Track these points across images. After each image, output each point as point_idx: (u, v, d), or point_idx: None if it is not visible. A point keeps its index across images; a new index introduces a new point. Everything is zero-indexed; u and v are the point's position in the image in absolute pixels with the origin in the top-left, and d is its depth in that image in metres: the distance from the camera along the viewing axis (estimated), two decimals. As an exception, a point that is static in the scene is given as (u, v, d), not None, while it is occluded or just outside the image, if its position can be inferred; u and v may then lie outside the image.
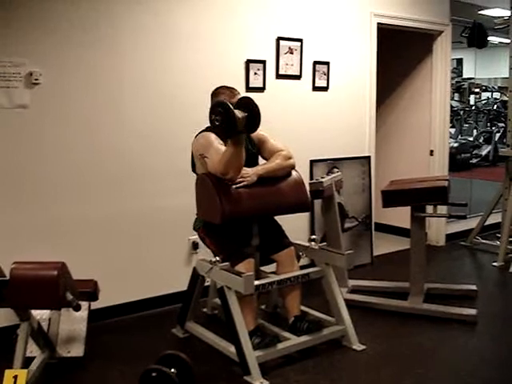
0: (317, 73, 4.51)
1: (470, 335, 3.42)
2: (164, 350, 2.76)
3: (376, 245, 5.08)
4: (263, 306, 3.68)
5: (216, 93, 3.25)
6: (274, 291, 3.48)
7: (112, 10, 3.48)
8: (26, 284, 2.40)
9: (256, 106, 2.81)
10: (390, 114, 5.85)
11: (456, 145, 9.03)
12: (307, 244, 3.35)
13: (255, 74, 4.12)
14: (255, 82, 4.12)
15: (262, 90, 4.17)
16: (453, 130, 9.50)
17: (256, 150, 3.27)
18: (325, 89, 4.59)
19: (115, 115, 3.57)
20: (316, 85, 4.52)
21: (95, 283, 3.12)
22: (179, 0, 3.73)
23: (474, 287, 4.08)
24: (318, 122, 4.56)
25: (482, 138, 10.66)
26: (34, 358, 2.79)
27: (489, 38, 6.15)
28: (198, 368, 2.77)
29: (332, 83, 4.62)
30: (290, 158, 3.22)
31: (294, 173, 3.24)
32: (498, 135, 10.33)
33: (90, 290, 3.04)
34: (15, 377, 2.28)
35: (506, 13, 5.52)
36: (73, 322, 3.07)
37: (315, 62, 4.49)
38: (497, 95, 11.46)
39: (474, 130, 10.89)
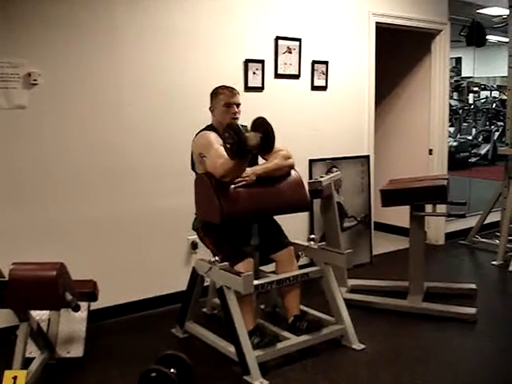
0: (315, 72, 4.50)
1: (469, 334, 3.42)
2: (163, 350, 2.76)
3: (375, 244, 5.08)
4: (262, 306, 3.67)
5: (215, 92, 3.25)
6: (274, 291, 3.47)
7: (111, 10, 3.48)
8: (25, 285, 2.40)
9: (270, 127, 2.87)
10: (388, 113, 5.85)
11: (455, 144, 9.05)
12: (306, 243, 3.35)
13: (254, 73, 4.12)
14: (254, 81, 4.12)
15: (260, 89, 4.17)
16: (452, 129, 9.51)
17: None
18: (323, 88, 4.58)
19: (114, 115, 3.57)
20: (315, 84, 4.51)
21: (94, 283, 3.12)
22: (178, 0, 3.73)
23: (473, 286, 4.07)
24: (317, 121, 4.55)
25: (481, 136, 10.66)
26: (33, 358, 2.79)
27: (487, 37, 6.16)
28: (198, 368, 2.77)
29: (331, 82, 4.61)
30: (289, 157, 3.22)
31: (293, 172, 3.24)
32: (496, 134, 10.34)
33: (89, 291, 3.05)
34: (15, 377, 2.27)
35: (504, 11, 5.53)
36: (72, 323, 3.07)
37: (314, 62, 4.49)
38: (496, 94, 11.46)
39: (473, 129, 10.90)
